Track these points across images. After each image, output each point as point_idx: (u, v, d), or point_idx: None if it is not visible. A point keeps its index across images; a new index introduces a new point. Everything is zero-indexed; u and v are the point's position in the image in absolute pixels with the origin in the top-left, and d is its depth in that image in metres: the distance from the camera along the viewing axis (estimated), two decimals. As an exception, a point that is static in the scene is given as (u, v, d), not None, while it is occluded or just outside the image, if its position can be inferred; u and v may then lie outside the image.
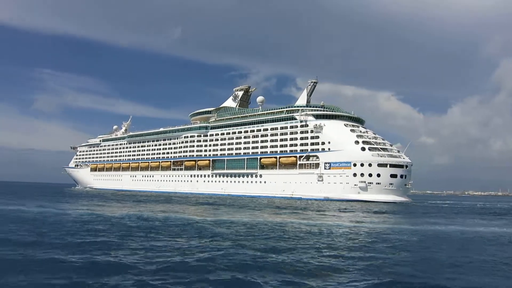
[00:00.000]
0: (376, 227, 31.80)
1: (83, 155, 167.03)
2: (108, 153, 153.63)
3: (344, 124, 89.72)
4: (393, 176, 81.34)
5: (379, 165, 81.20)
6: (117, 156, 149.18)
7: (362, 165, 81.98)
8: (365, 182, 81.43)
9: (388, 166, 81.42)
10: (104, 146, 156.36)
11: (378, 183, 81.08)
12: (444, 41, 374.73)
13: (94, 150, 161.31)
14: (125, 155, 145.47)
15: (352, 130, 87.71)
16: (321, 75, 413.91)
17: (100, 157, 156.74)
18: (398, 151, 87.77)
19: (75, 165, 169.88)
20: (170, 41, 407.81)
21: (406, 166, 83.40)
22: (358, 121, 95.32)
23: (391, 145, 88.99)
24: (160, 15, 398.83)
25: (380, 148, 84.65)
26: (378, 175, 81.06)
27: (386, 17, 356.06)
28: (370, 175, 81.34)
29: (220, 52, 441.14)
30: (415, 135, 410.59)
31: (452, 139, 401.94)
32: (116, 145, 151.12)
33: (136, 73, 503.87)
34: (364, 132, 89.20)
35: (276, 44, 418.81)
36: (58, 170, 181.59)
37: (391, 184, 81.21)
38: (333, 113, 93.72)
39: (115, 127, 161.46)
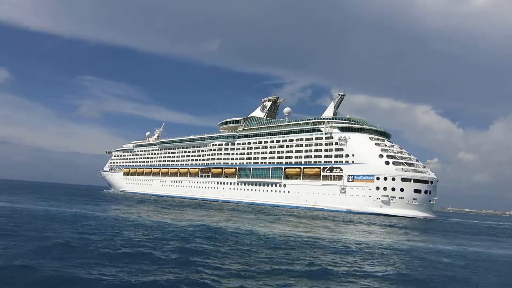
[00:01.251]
0: (413, 245, 30.94)
1: (117, 159, 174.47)
2: (140, 158, 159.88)
3: (369, 138, 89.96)
4: (417, 191, 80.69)
5: (403, 179, 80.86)
6: (148, 162, 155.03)
7: (385, 179, 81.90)
8: (387, 196, 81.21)
9: (412, 181, 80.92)
10: (137, 151, 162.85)
11: (401, 198, 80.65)
12: (488, 54, 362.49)
13: (127, 155, 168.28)
14: (156, 161, 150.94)
15: (377, 144, 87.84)
16: (357, 87, 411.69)
17: (133, 162, 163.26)
18: (424, 167, 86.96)
19: (110, 169, 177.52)
20: (208, 51, 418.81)
21: (431, 182, 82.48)
22: (384, 134, 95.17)
23: (416, 160, 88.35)
24: (200, 26, 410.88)
25: (405, 162, 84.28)
26: (402, 190, 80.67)
27: (426, 29, 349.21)
28: (393, 189, 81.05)
29: (256, 61, 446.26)
30: (453, 151, 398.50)
31: (494, 156, 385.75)
32: (148, 150, 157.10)
33: (174, 81, 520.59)
34: (389, 146, 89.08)
35: (312, 55, 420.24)
36: (96, 173, 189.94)
37: (415, 199, 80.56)
38: (359, 126, 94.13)
39: (147, 133, 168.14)
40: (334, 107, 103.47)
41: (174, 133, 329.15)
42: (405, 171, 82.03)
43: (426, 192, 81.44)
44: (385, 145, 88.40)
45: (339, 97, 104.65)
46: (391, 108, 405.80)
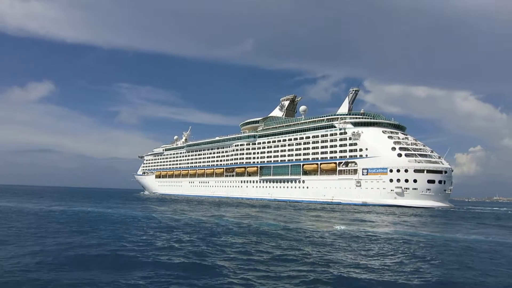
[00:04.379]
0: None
1: (149, 163, 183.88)
2: (170, 161, 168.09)
3: (382, 131, 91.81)
4: (430, 181, 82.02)
5: (416, 170, 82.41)
6: (177, 164, 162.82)
7: (398, 171, 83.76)
8: (401, 187, 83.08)
9: (425, 171, 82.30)
10: (167, 155, 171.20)
11: (415, 189, 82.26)
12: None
13: (158, 159, 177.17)
14: (184, 163, 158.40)
15: (389, 137, 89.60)
16: (391, 77, 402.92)
17: (163, 165, 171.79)
18: (439, 157, 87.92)
19: (143, 173, 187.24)
20: (241, 52, 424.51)
21: (445, 172, 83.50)
22: (398, 127, 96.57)
23: (431, 151, 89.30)
24: (232, 29, 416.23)
25: (418, 154, 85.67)
26: (415, 181, 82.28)
27: (460, 9, 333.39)
28: (407, 180, 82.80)
29: (288, 57, 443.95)
30: (497, 137, 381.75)
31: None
32: (176, 153, 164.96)
33: (207, 83, 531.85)
34: (403, 139, 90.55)
35: (345, 46, 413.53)
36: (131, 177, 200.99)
37: (429, 189, 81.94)
38: (371, 120, 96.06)
39: (175, 137, 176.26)
40: (349, 103, 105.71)
41: (206, 134, 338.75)
42: (418, 162, 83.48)
43: (440, 182, 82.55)
44: (398, 138, 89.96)
45: (353, 92, 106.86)
46: (428, 97, 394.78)
